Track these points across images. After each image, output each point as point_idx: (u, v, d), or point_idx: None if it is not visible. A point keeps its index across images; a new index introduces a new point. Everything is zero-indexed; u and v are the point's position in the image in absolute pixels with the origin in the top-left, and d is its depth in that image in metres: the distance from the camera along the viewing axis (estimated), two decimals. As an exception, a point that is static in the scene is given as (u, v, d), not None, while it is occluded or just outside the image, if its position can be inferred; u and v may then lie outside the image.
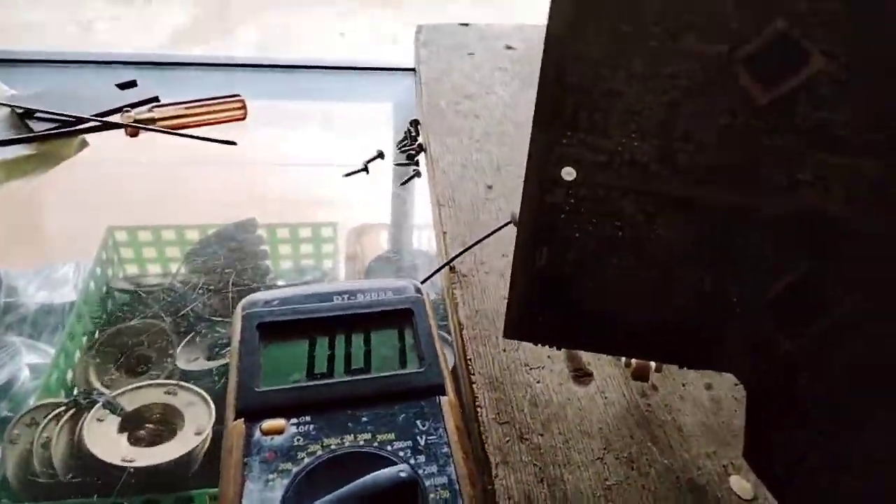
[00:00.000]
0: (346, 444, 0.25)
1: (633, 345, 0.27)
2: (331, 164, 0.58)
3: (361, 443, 0.25)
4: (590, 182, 0.24)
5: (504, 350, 0.34)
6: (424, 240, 0.55)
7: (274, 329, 0.29)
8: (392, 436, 0.25)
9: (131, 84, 0.61)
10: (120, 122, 0.56)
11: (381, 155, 0.58)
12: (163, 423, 0.38)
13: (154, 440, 0.37)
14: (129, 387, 0.40)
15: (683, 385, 0.33)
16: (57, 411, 0.38)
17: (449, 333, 0.39)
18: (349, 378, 0.27)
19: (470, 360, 0.34)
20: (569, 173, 0.24)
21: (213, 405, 0.39)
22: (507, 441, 0.30)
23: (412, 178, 0.56)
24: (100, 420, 0.37)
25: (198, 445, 0.37)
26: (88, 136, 0.56)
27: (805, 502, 0.22)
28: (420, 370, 0.28)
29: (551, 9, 0.22)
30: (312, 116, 0.70)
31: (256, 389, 0.26)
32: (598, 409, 0.32)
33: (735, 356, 0.25)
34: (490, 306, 0.37)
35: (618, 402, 0.32)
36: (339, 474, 0.23)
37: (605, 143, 0.23)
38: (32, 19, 0.98)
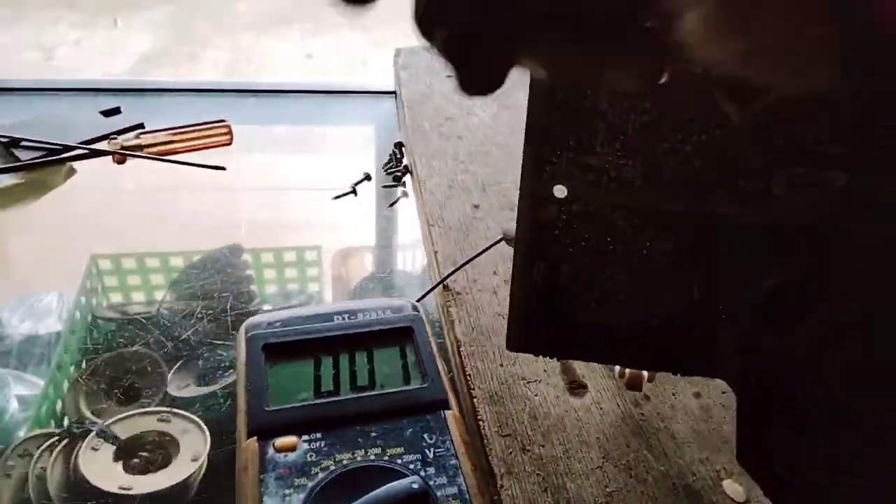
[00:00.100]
0: (358, 458, 0.25)
1: (627, 354, 0.28)
2: (316, 188, 0.59)
3: (372, 457, 0.25)
4: (581, 199, 0.25)
5: (501, 365, 0.35)
6: (409, 260, 0.55)
7: (279, 350, 0.30)
8: (401, 449, 0.26)
9: (115, 111, 0.61)
10: (108, 149, 0.56)
11: (368, 177, 0.59)
12: (158, 450, 0.38)
13: (150, 467, 0.37)
14: (122, 415, 0.39)
15: (674, 394, 0.34)
16: (50, 442, 0.37)
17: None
18: (356, 395, 0.28)
19: (469, 375, 0.34)
20: (560, 191, 0.25)
21: (207, 431, 0.39)
22: (510, 452, 0.31)
23: (399, 199, 0.57)
24: (94, 449, 0.37)
25: (194, 471, 0.36)
26: (75, 164, 0.56)
27: (805, 502, 0.23)
28: (424, 385, 0.29)
29: None
30: (296, 140, 0.71)
31: (266, 408, 0.27)
32: (595, 419, 0.33)
33: (725, 361, 0.26)
34: (485, 322, 0.37)
35: (613, 413, 0.33)
36: (353, 488, 0.23)
37: (592, 161, 0.25)
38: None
